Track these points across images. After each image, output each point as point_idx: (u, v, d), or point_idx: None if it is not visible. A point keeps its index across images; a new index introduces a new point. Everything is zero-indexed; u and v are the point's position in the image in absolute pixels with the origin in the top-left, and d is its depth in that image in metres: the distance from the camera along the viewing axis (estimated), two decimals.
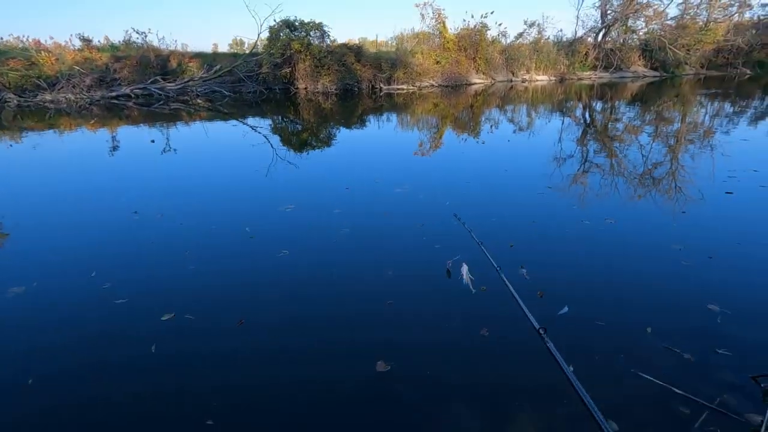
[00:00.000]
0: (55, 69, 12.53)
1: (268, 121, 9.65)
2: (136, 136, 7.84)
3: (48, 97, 11.93)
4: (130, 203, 3.97)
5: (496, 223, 3.47)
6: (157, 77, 13.36)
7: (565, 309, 2.13)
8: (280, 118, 10.34)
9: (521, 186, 4.60)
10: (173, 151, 6.42)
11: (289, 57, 14.07)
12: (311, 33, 14.47)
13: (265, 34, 14.52)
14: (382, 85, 15.41)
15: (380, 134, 8.06)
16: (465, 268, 2.44)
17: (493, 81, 18.39)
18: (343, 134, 8.07)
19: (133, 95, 12.84)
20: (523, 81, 19.24)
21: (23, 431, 1.59)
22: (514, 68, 19.21)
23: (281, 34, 14.14)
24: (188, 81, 13.69)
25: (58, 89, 12.16)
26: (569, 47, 20.60)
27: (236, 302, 2.37)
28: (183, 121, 9.65)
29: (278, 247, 2.98)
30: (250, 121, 9.60)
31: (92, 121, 9.40)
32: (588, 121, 9.68)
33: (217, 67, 14.17)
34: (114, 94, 12.70)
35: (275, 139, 7.49)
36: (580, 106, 12.33)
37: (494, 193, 4.37)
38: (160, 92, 13.08)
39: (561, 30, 24.81)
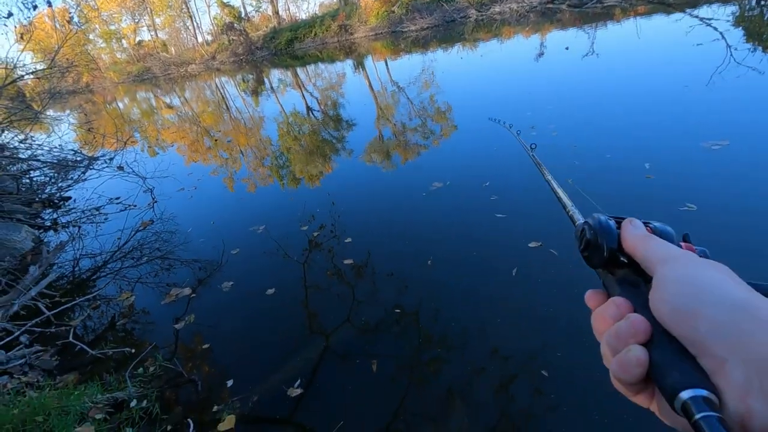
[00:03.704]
0: None
1: (732, 9, 7.14)
2: (560, 42, 7.91)
3: (497, 9, 13.77)
4: (532, 117, 4.15)
5: None
6: None
7: None
8: (754, 1, 7.40)
9: None
10: (594, 56, 6.07)
11: None
12: None
13: None
14: None
15: None
16: None
17: None
18: None
19: None
20: None
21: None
22: None
23: None
24: None
25: (506, 0, 13.72)
26: None
27: None
28: (614, 20, 8.77)
29: (682, 198, 2.30)
30: (703, 11, 7.43)
31: (527, 28, 10.20)
32: None
33: None
34: None
35: (734, 35, 5.51)
36: None
37: None
38: None
39: None
